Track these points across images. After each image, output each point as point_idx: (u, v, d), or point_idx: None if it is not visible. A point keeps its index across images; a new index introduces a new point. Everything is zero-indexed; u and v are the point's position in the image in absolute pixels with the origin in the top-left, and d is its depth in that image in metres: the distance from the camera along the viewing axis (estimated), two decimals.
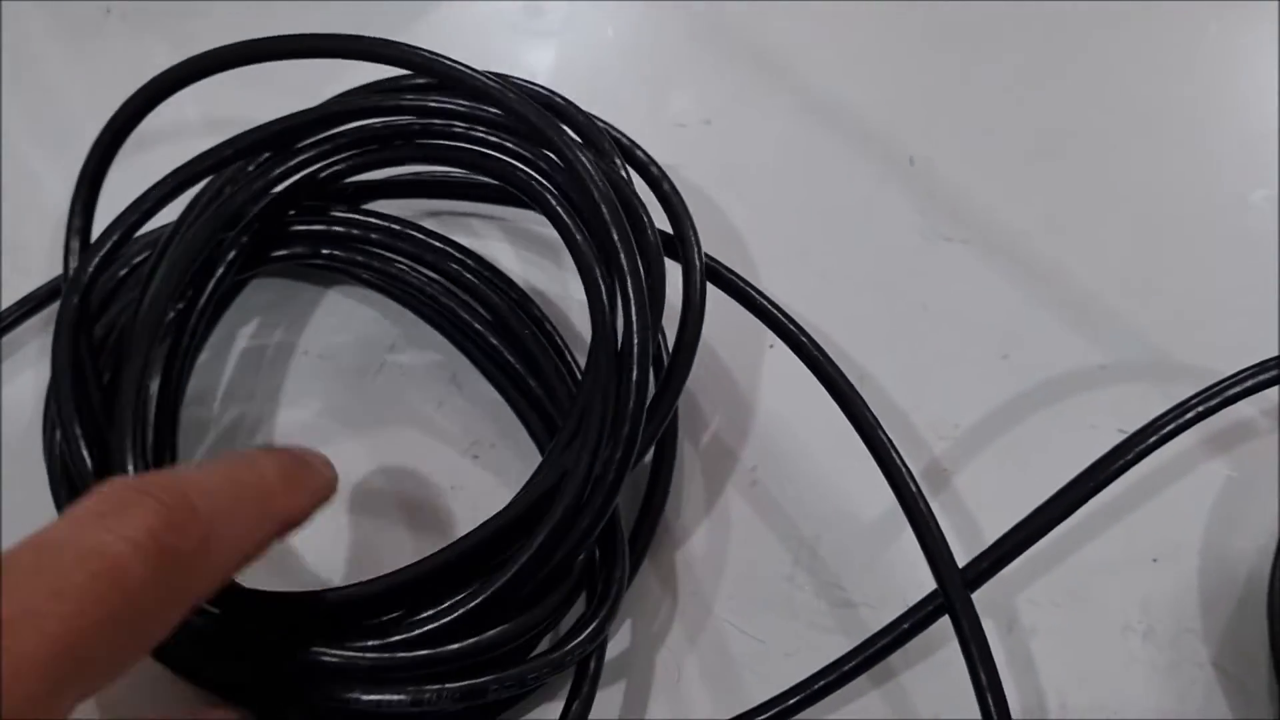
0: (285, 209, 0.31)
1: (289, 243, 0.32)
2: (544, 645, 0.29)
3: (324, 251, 0.32)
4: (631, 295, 0.26)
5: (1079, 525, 0.32)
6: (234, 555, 0.23)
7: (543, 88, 0.31)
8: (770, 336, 0.34)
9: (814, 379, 0.30)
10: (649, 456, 0.31)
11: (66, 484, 0.28)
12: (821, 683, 0.27)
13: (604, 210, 0.26)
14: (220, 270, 0.30)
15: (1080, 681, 0.30)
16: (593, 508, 0.25)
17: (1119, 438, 0.31)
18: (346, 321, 0.35)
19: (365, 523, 0.32)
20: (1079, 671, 0.30)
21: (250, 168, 0.31)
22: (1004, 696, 0.26)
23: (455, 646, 0.25)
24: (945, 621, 0.27)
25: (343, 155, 0.30)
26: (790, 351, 0.30)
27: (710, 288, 0.31)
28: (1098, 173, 0.37)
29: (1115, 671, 0.30)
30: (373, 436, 0.33)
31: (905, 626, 0.27)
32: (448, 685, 0.24)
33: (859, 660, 0.27)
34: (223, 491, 0.23)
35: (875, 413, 0.29)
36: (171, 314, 0.29)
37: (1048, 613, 0.31)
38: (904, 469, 0.27)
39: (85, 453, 0.27)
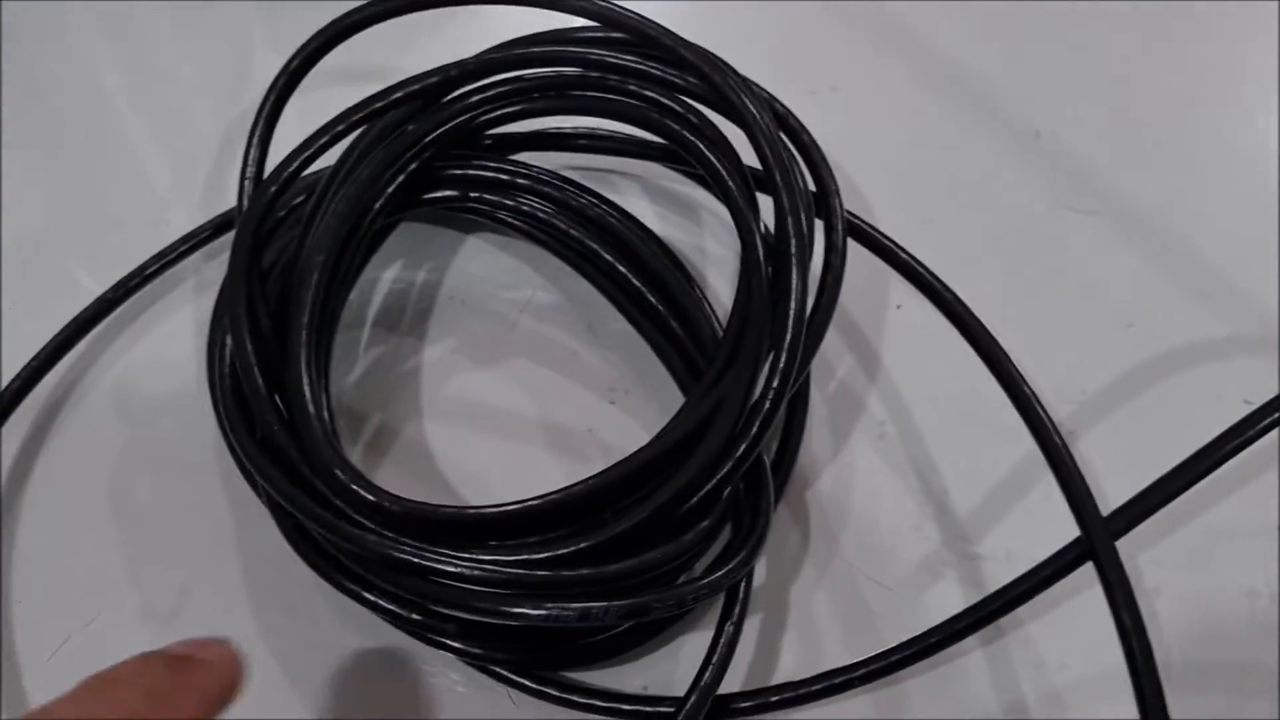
0: (437, 156, 0.33)
1: (439, 186, 0.33)
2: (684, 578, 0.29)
3: (473, 195, 0.33)
4: (791, 233, 0.27)
5: (1201, 491, 0.32)
6: None
7: (700, 48, 0.32)
8: (896, 298, 0.35)
9: (940, 340, 0.31)
10: None
11: (236, 402, 0.29)
12: (963, 624, 0.28)
13: (769, 154, 0.27)
14: (378, 205, 0.31)
15: (1203, 641, 0.30)
16: (748, 435, 0.26)
17: (1244, 408, 0.31)
18: (487, 267, 0.36)
19: (512, 450, 0.33)
20: (1202, 631, 0.30)
21: (411, 113, 0.32)
22: (1148, 641, 0.26)
23: (617, 566, 0.26)
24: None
25: (503, 102, 0.31)
26: (919, 313, 0.31)
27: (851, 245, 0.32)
28: (1223, 145, 0.38)
29: (1239, 633, 0.30)
30: (511, 376, 0.34)
31: (1048, 573, 0.28)
32: (615, 602, 0.25)
33: (1000, 604, 0.28)
34: None
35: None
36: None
37: (1171, 574, 0.31)
38: (1047, 418, 0.28)
39: (256, 369, 0.28)
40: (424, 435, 0.33)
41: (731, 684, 0.30)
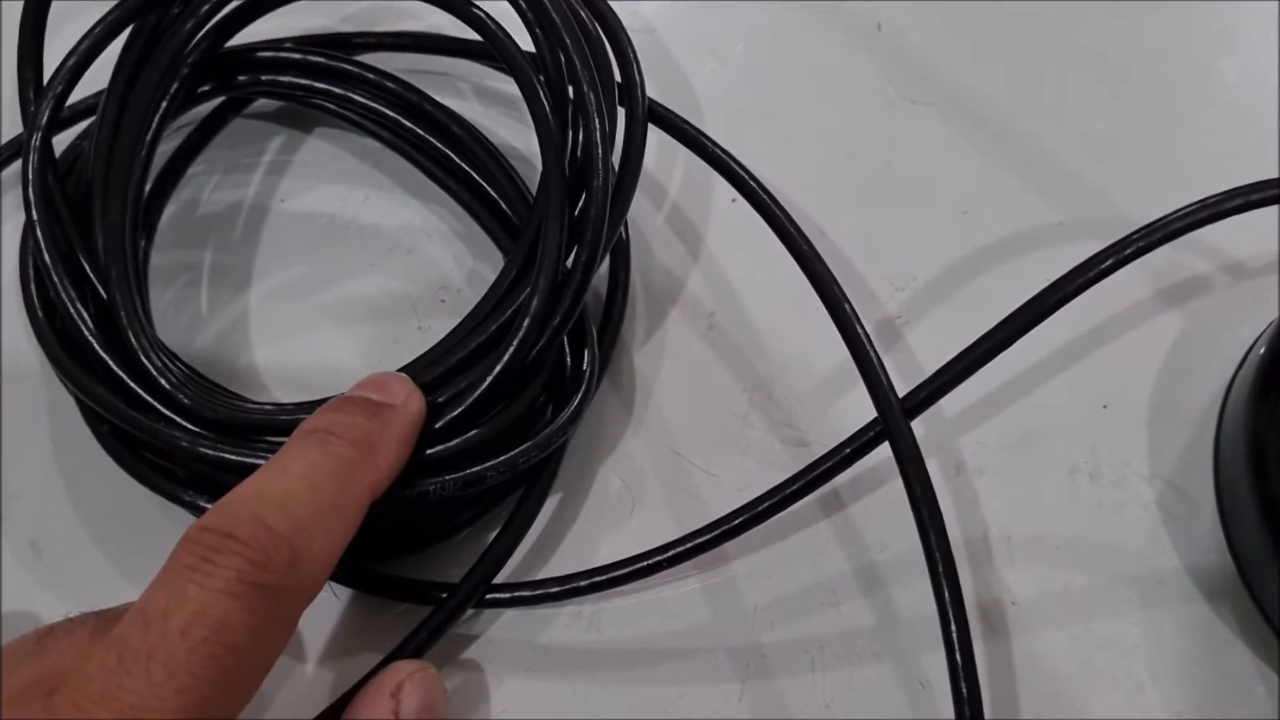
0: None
1: (245, 70, 0.33)
2: None
3: (263, 79, 0.33)
4: (592, 110, 0.27)
5: (1031, 371, 0.32)
6: (326, 557, 0.23)
7: None
8: (732, 190, 0.35)
9: (769, 231, 0.31)
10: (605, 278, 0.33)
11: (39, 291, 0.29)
12: (766, 504, 0.28)
13: (556, 18, 0.27)
14: (164, 104, 0.31)
15: (1024, 518, 0.30)
16: (563, 305, 0.27)
17: None
18: (323, 169, 0.36)
19: (338, 357, 0.33)
20: (1024, 509, 0.31)
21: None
22: (939, 510, 0.26)
23: (452, 444, 0.27)
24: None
25: None
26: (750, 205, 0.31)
27: (668, 138, 0.32)
28: (1060, 36, 0.38)
29: (1060, 510, 0.31)
30: (345, 279, 0.34)
31: (847, 451, 0.28)
32: (449, 475, 0.26)
33: (801, 484, 0.28)
34: (301, 500, 0.23)
35: (827, 261, 0.29)
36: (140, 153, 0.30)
37: (996, 455, 0.31)
38: (842, 295, 0.28)
39: (45, 243, 0.28)
40: (247, 342, 0.33)
41: (553, 569, 0.30)
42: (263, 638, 0.21)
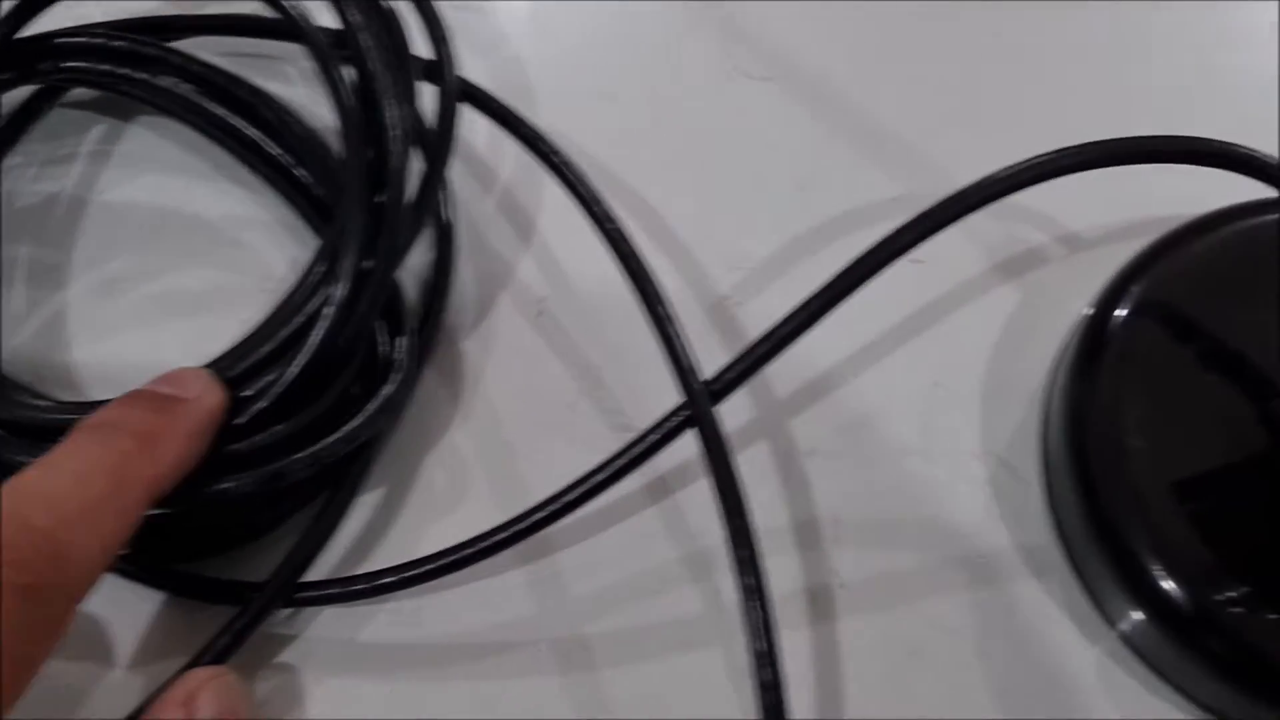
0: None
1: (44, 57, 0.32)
2: None
3: (64, 66, 0.32)
4: (385, 87, 0.27)
5: (863, 351, 0.32)
6: (95, 554, 0.22)
7: None
8: None
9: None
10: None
11: None
12: (573, 494, 0.27)
13: None
14: None
15: (855, 500, 0.30)
16: (368, 292, 0.27)
17: (914, 268, 0.32)
18: (144, 159, 0.35)
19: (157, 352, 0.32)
20: (854, 491, 0.30)
21: None
22: (740, 497, 0.26)
23: (257, 439, 0.26)
24: None
25: None
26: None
27: (487, 121, 0.31)
28: (902, 10, 0.37)
29: (891, 491, 0.30)
30: (167, 272, 0.33)
31: (654, 438, 0.27)
32: (248, 472, 0.25)
33: (609, 473, 0.27)
34: (67, 495, 0.22)
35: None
36: None
37: (828, 437, 0.31)
38: (645, 273, 0.27)
39: None
40: (65, 340, 0.32)
41: (375, 565, 0.29)
42: (23, 640, 0.20)
